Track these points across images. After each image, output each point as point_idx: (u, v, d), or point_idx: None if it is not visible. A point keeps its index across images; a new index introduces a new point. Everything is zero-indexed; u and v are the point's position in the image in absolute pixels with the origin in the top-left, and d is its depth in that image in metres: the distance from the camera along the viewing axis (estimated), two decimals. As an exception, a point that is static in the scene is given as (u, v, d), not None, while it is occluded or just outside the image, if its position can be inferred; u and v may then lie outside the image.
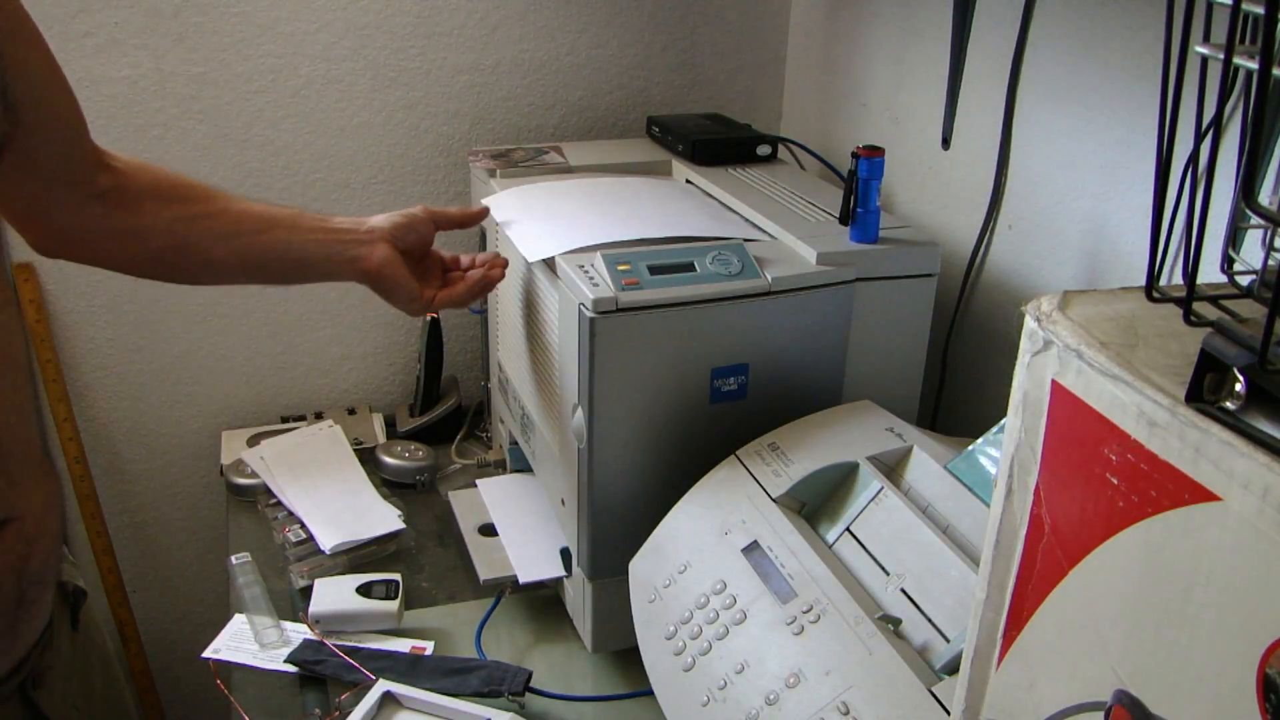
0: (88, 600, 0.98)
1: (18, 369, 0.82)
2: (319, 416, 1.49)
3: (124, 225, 0.89)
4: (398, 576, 1.10)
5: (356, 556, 1.18)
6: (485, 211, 1.10)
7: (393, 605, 1.06)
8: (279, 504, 1.26)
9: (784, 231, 1.03)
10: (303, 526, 1.21)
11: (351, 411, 1.50)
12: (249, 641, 1.05)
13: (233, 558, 1.16)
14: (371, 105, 1.40)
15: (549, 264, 0.99)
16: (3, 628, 0.81)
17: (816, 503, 0.88)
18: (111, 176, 0.87)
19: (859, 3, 1.37)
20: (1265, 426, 0.38)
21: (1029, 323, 0.48)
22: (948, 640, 0.72)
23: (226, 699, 0.98)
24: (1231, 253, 0.45)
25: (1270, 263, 0.43)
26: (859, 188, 1.00)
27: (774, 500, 0.86)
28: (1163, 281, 0.47)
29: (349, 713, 0.92)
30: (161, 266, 0.95)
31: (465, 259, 1.06)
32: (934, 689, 0.68)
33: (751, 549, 0.83)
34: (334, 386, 1.53)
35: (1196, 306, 0.44)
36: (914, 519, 0.80)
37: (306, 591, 1.09)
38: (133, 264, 0.94)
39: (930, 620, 0.74)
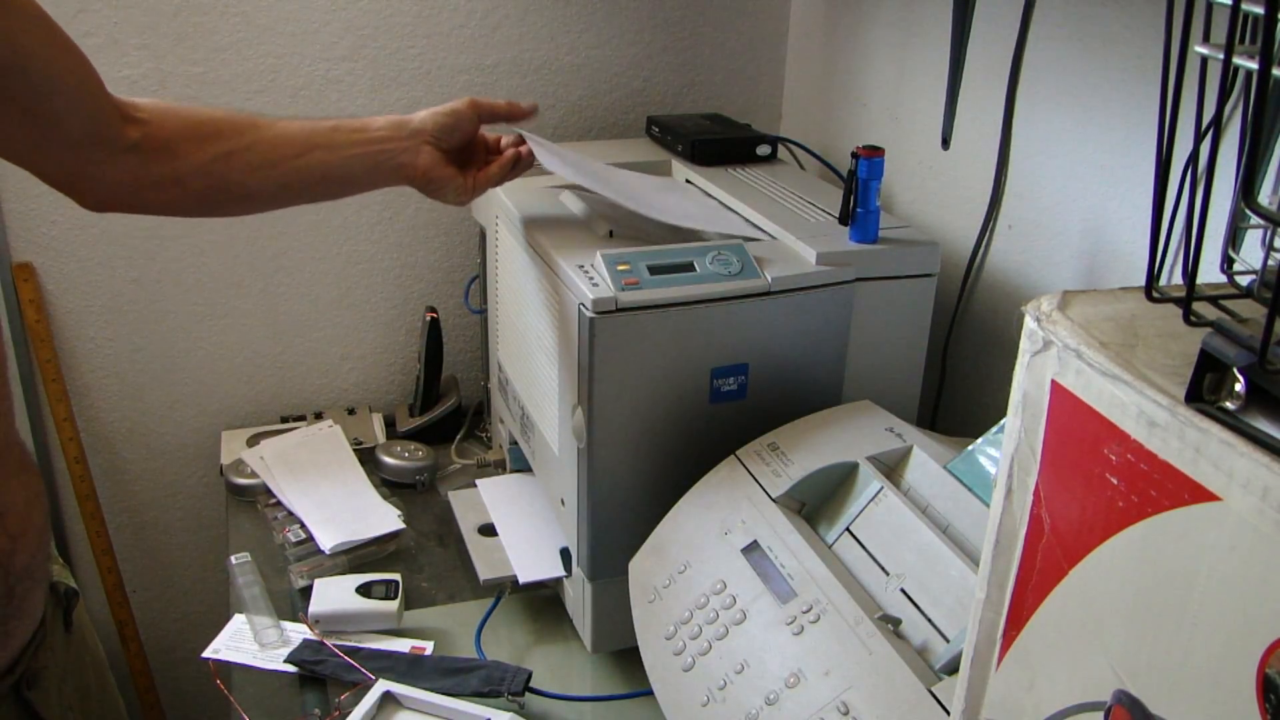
0: (80, 601, 0.98)
1: None
2: (319, 416, 1.49)
3: (162, 173, 0.88)
4: (398, 576, 1.10)
5: (356, 556, 1.18)
6: (534, 108, 1.06)
7: (392, 605, 1.06)
8: (279, 504, 1.26)
9: (784, 231, 1.03)
10: (302, 526, 1.21)
11: (351, 411, 1.50)
12: (249, 641, 1.05)
13: (232, 558, 1.16)
14: (371, 105, 1.40)
15: (549, 263, 0.99)
16: None
17: (816, 503, 0.88)
18: (140, 127, 0.86)
19: (859, 3, 1.37)
20: (1265, 426, 0.38)
21: (1029, 323, 0.48)
22: (947, 640, 0.72)
23: (226, 699, 0.98)
24: (1231, 253, 0.45)
25: (1270, 263, 0.43)
26: (859, 188, 1.00)
27: (774, 500, 0.86)
28: (1163, 281, 0.47)
29: (349, 713, 0.92)
30: (205, 206, 0.95)
31: (506, 139, 1.05)
32: (934, 689, 0.68)
33: (751, 549, 0.83)
34: (334, 386, 1.53)
35: (1196, 306, 0.44)
36: (914, 519, 0.80)
37: (306, 591, 1.09)
38: (178, 208, 0.94)
39: (930, 620, 0.74)
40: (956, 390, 1.24)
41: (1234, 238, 0.45)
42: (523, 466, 1.25)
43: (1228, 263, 0.45)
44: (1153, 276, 0.46)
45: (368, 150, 0.96)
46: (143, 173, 0.87)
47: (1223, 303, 0.44)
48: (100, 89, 0.83)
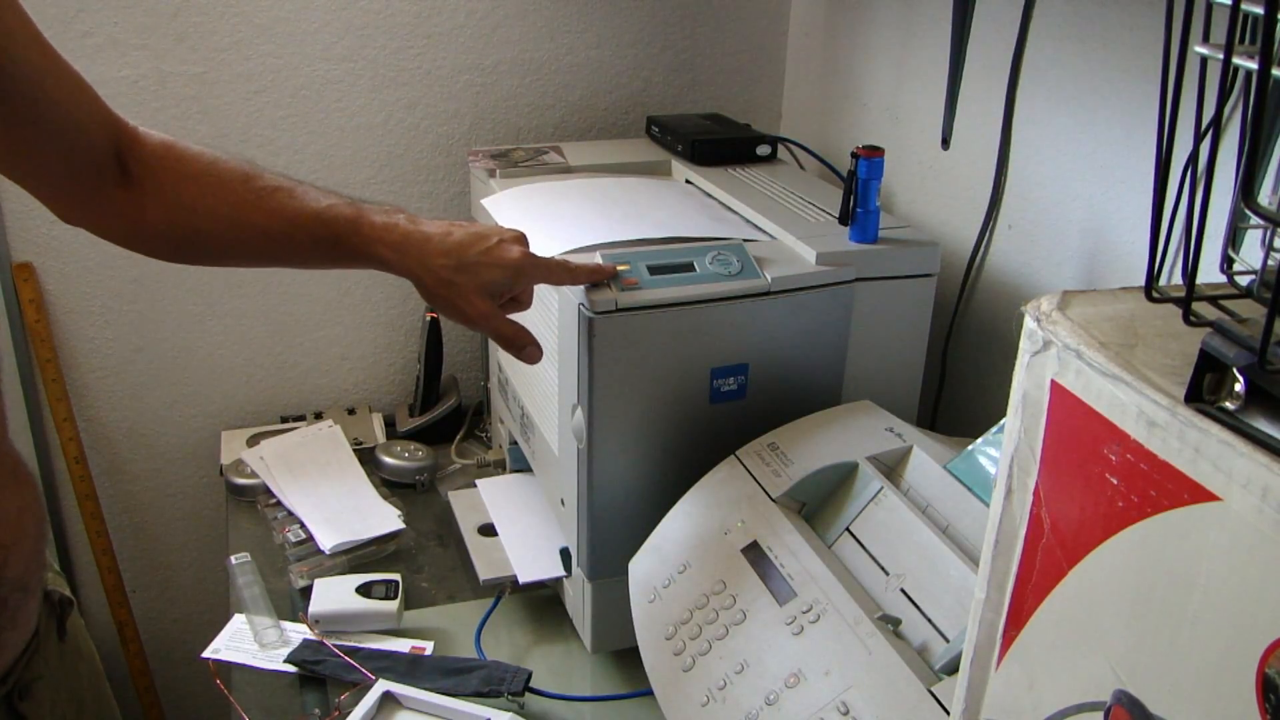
0: (75, 610, 0.97)
1: None
2: (319, 416, 1.49)
3: (145, 221, 0.85)
4: (397, 576, 1.10)
5: (356, 556, 1.18)
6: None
7: (392, 605, 1.06)
8: (279, 504, 1.26)
9: (784, 231, 1.03)
10: (302, 526, 1.21)
11: (351, 411, 1.50)
12: (249, 641, 1.05)
13: (232, 558, 1.16)
14: (371, 105, 1.40)
15: (549, 264, 0.99)
16: None
17: (816, 503, 0.88)
18: (136, 166, 0.83)
19: (859, 3, 1.37)
20: (1265, 426, 0.38)
21: (1029, 323, 0.48)
22: (947, 640, 0.72)
23: (226, 699, 0.98)
24: (1231, 253, 0.45)
25: (1270, 263, 0.43)
26: (859, 188, 1.00)
27: (774, 500, 0.86)
28: (1162, 281, 0.47)
29: (349, 713, 0.92)
30: (178, 257, 0.90)
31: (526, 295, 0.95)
32: (934, 689, 0.68)
33: (751, 549, 0.83)
34: (334, 386, 1.53)
35: (1196, 306, 0.44)
36: (914, 519, 0.80)
37: (306, 591, 1.09)
38: (145, 250, 0.89)
39: (930, 620, 0.74)
40: (956, 390, 1.24)
41: (1234, 238, 0.45)
42: (523, 466, 1.25)
43: (1227, 263, 0.45)
44: (1153, 276, 0.46)
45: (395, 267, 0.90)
46: (135, 217, 0.84)
47: (1222, 303, 0.44)
48: (94, 126, 0.80)
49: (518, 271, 0.88)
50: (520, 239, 0.90)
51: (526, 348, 0.91)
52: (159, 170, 0.84)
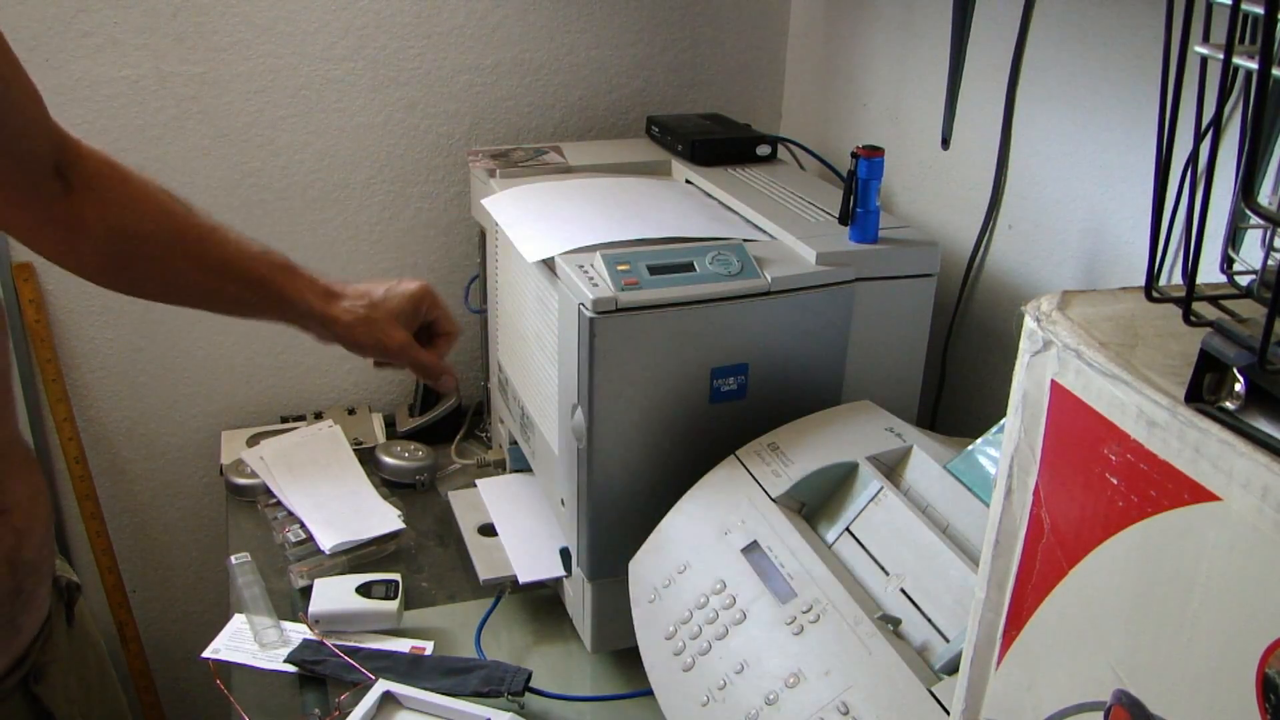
0: (81, 595, 0.98)
1: None
2: (319, 416, 1.49)
3: (81, 233, 0.85)
4: (397, 576, 1.10)
5: (356, 556, 1.18)
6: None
7: (392, 605, 1.06)
8: (279, 504, 1.26)
9: (784, 231, 1.03)
10: (302, 526, 1.21)
11: (351, 411, 1.50)
12: (249, 641, 1.05)
13: (232, 558, 1.16)
14: (371, 105, 1.40)
15: (549, 264, 0.99)
16: (1, 621, 0.81)
17: (816, 503, 0.88)
18: (77, 180, 0.83)
19: (859, 3, 1.37)
20: (1265, 426, 0.38)
21: (1029, 323, 0.48)
22: (947, 640, 0.72)
23: (226, 699, 0.98)
24: (1231, 253, 0.45)
25: (1270, 263, 0.43)
26: (859, 188, 1.00)
27: (774, 500, 0.86)
28: (1162, 281, 0.47)
29: (349, 713, 0.92)
30: (105, 278, 0.90)
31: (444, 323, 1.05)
32: (934, 689, 0.68)
33: (751, 549, 0.83)
34: (334, 386, 1.53)
35: (1196, 306, 0.44)
36: (913, 519, 0.80)
37: (306, 591, 1.09)
38: (74, 265, 0.89)
39: (930, 620, 0.74)
40: (956, 390, 1.24)
41: (1234, 238, 0.45)
42: (523, 466, 1.25)
43: (1228, 263, 0.45)
44: (1153, 276, 0.46)
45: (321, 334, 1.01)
46: (71, 229, 0.84)
47: (1223, 303, 0.44)
48: (36, 141, 0.80)
49: (419, 298, 1.00)
50: (418, 281, 1.02)
51: (442, 377, 1.03)
52: (100, 187, 0.85)
